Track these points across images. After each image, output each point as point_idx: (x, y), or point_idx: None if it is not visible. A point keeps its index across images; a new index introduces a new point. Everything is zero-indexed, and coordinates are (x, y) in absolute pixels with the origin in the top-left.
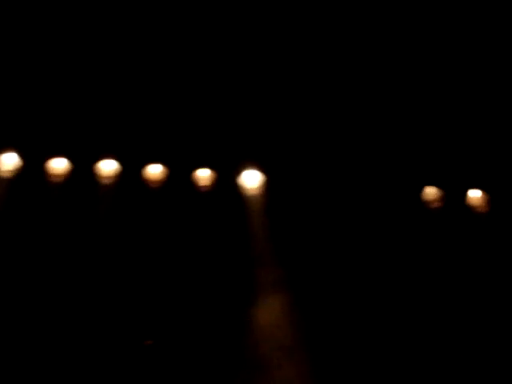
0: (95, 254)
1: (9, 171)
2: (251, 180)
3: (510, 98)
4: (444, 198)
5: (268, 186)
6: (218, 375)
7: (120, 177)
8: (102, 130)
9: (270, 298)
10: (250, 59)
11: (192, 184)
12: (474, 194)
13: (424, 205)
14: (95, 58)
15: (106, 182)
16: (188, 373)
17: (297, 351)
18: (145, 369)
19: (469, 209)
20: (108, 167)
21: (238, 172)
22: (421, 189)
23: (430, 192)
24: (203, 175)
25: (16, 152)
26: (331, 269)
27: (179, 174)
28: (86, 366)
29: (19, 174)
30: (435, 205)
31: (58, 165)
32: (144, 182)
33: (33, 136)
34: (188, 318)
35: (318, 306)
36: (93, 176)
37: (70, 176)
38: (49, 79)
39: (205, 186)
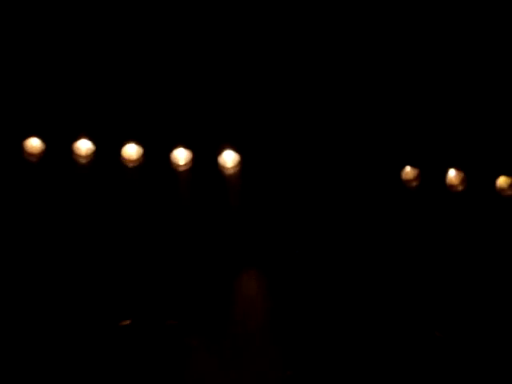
0: (72, 235)
1: None
2: (229, 160)
3: (489, 76)
4: (422, 177)
5: (245, 165)
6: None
7: (96, 156)
8: (78, 109)
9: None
10: (230, 40)
11: (169, 164)
12: (453, 173)
13: (403, 184)
14: (74, 38)
15: (82, 161)
16: (173, 349)
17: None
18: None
19: (447, 188)
20: (84, 147)
21: (215, 152)
22: (400, 168)
23: (409, 171)
24: (180, 155)
25: None
26: (311, 244)
27: (156, 153)
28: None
29: None
30: (414, 184)
31: (33, 144)
32: (121, 162)
33: (9, 115)
34: (171, 296)
35: (300, 283)
36: (69, 156)
37: (45, 156)
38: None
39: (182, 166)
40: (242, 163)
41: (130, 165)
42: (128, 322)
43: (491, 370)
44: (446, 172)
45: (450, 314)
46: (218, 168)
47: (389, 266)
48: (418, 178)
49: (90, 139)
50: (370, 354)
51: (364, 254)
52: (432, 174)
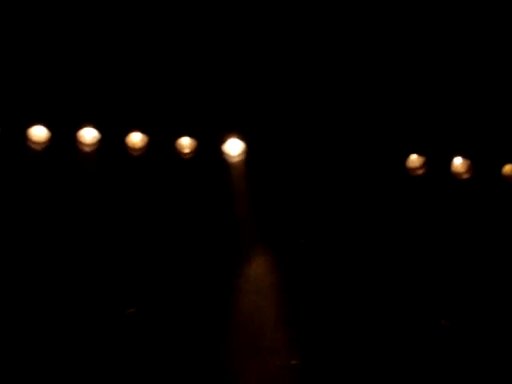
0: (76, 223)
1: None
2: (234, 148)
3: (495, 64)
4: (428, 165)
5: (250, 153)
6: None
7: (101, 145)
8: (82, 98)
9: (254, 264)
10: (232, 29)
11: (174, 152)
12: (459, 161)
13: (408, 172)
14: (74, 24)
15: (86, 150)
16: (172, 340)
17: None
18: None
19: (453, 176)
20: (89, 135)
21: (220, 140)
22: (405, 156)
23: (414, 159)
24: (185, 143)
25: None
26: (314, 235)
27: (161, 142)
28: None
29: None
30: (419, 172)
31: (38, 133)
32: (125, 150)
33: (12, 104)
34: (171, 286)
35: (302, 273)
36: (74, 144)
37: (50, 144)
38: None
39: (187, 154)
40: (247, 152)
41: (135, 153)
42: (133, 310)
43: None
44: (451, 160)
45: (455, 304)
46: (222, 156)
47: (394, 255)
48: (423, 165)
49: (94, 127)
50: (376, 339)
51: (369, 242)
52: (438, 162)
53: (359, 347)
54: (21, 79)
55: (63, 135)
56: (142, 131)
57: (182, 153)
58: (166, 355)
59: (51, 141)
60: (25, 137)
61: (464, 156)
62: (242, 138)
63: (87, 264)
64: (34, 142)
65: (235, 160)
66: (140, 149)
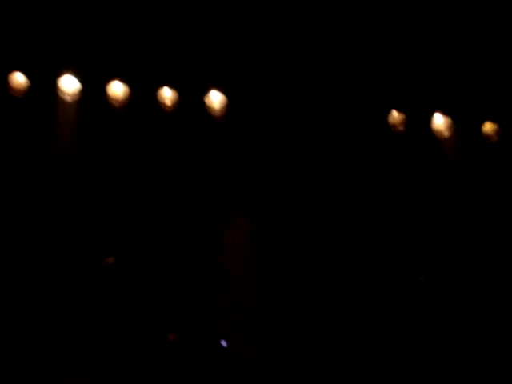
0: (54, 175)
1: None
2: (214, 100)
3: (476, 22)
4: (408, 122)
5: (232, 107)
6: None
7: (81, 94)
8: (63, 46)
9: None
10: None
11: (156, 103)
12: (439, 119)
13: (389, 128)
14: None
15: (67, 99)
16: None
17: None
18: None
19: (433, 133)
20: (69, 84)
21: (201, 92)
22: (386, 112)
23: (395, 116)
24: (167, 94)
25: None
26: (295, 192)
27: (143, 93)
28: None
29: None
30: (399, 129)
31: (18, 80)
32: (107, 100)
33: None
34: (157, 239)
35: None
36: (53, 92)
37: (30, 92)
38: None
39: (168, 106)
40: (229, 104)
41: (116, 104)
42: (112, 259)
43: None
44: (431, 117)
45: (436, 261)
46: (204, 108)
47: (375, 213)
48: (404, 122)
49: (75, 76)
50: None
51: (350, 199)
52: (418, 119)
53: (338, 308)
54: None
55: (43, 83)
56: (124, 81)
57: (164, 104)
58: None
59: (31, 88)
60: (5, 84)
61: (444, 113)
62: (224, 91)
63: (73, 211)
64: (15, 89)
65: (217, 113)
66: (121, 99)
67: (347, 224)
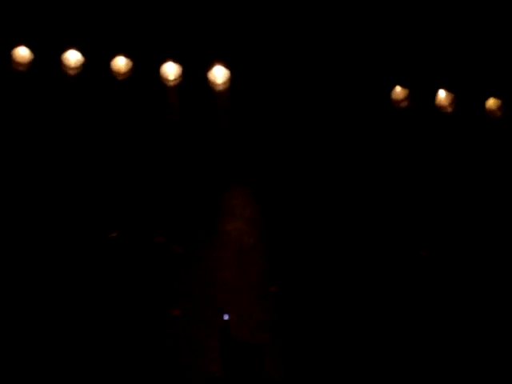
0: (60, 147)
1: None
2: (219, 76)
3: None
4: (412, 98)
5: (235, 82)
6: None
7: (85, 68)
8: (67, 20)
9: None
10: None
11: (158, 78)
12: (443, 94)
13: (393, 104)
14: None
15: (70, 73)
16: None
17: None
18: None
19: (437, 109)
20: (73, 58)
21: (205, 67)
22: (390, 88)
23: (399, 91)
24: (170, 69)
25: None
26: (299, 163)
27: (146, 67)
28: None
29: None
30: (403, 104)
31: (22, 54)
32: (110, 75)
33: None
34: (160, 212)
35: (287, 201)
36: (58, 67)
37: (34, 66)
38: None
39: (171, 81)
40: (232, 79)
41: (120, 78)
42: (115, 234)
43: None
44: (436, 93)
45: (439, 240)
46: (207, 83)
47: (378, 187)
48: (407, 98)
49: (79, 50)
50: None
51: (353, 173)
52: (422, 95)
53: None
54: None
55: (47, 57)
56: (127, 56)
57: (167, 79)
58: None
59: (35, 63)
60: (9, 58)
61: (448, 89)
62: (228, 66)
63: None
64: (18, 64)
65: (220, 88)
66: (124, 73)
67: (349, 198)
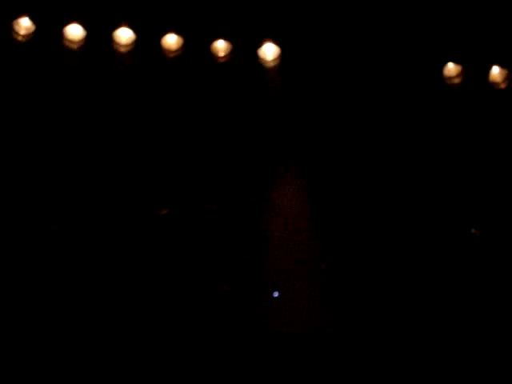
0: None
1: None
2: (269, 53)
3: None
4: (465, 74)
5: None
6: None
7: (136, 46)
8: None
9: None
10: None
11: (210, 55)
12: (496, 70)
13: (444, 81)
14: None
15: (122, 50)
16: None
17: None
18: None
19: (490, 85)
20: (124, 35)
21: (256, 44)
22: (442, 64)
23: (451, 68)
24: (220, 46)
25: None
26: (350, 139)
27: (196, 44)
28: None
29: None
30: (456, 81)
31: (74, 31)
32: (161, 52)
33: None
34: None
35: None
36: (109, 44)
37: (86, 43)
38: None
39: (222, 58)
40: (282, 56)
41: (170, 55)
42: (165, 211)
43: None
44: (489, 69)
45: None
46: (257, 61)
47: (430, 165)
48: (460, 74)
49: (130, 28)
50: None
51: (405, 150)
52: (475, 71)
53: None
54: None
55: (99, 34)
56: (178, 33)
57: (217, 56)
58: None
59: (87, 40)
60: (61, 35)
61: (502, 65)
62: (278, 43)
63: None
64: (70, 41)
65: (270, 65)
66: (175, 50)
67: (400, 175)
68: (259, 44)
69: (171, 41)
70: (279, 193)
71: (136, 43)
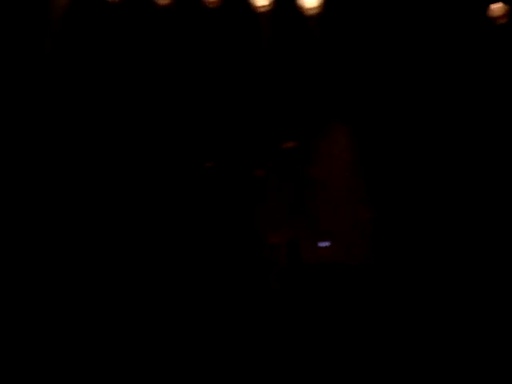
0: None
1: None
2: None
3: None
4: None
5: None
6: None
7: None
8: None
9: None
10: None
11: (249, 5)
12: None
13: (490, 21)
14: None
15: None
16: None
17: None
18: None
19: None
20: None
21: None
22: (487, 5)
23: (498, 7)
24: None
25: None
26: (396, 94)
27: None
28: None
29: None
30: (502, 21)
31: None
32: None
33: None
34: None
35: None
36: None
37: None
38: None
39: (263, 7)
40: (325, 4)
41: (210, 6)
42: (211, 164)
43: None
44: None
45: None
46: (298, 9)
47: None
48: (507, 14)
49: None
50: None
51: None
52: None
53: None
54: None
55: None
56: None
57: (258, 6)
58: None
59: None
60: None
61: None
62: None
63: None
64: None
65: (312, 12)
66: (215, 1)
67: (449, 133)
68: None
69: None
70: (326, 141)
71: None
